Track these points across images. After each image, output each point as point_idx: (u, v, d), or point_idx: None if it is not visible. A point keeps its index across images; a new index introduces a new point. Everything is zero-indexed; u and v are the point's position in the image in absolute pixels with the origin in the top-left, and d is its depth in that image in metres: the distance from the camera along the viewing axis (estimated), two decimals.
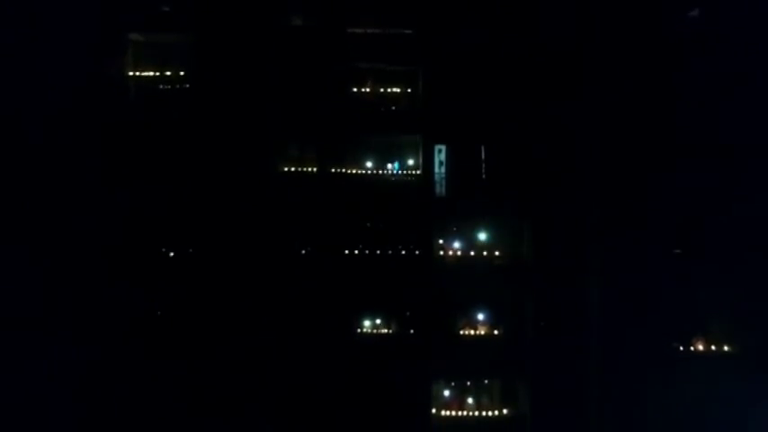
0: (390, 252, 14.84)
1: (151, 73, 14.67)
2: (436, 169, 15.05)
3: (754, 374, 13.40)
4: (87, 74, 13.96)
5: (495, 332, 14.95)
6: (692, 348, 14.24)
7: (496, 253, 15.01)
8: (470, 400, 14.87)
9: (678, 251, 14.10)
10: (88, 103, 13.97)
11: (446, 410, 14.71)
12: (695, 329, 14.22)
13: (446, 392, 14.98)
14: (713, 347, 14.22)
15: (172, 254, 14.51)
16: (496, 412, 14.73)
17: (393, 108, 15.19)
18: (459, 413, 14.69)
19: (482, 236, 15.13)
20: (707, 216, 13.83)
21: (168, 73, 14.68)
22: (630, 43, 14.15)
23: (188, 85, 14.67)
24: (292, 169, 14.92)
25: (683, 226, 14.04)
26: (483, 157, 15.23)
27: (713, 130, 13.71)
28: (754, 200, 13.59)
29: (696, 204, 13.86)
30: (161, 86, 14.69)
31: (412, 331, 14.83)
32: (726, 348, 14.16)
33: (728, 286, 13.62)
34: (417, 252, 14.78)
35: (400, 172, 15.19)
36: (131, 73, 14.66)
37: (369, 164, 15.20)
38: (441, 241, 15.09)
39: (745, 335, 13.88)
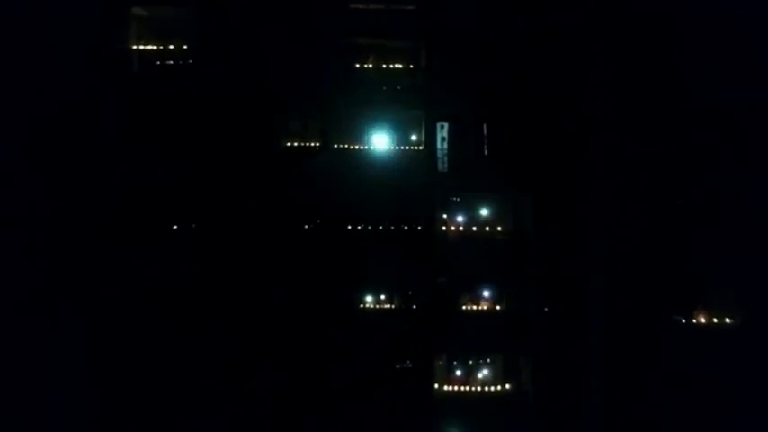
0: (392, 228, 14.85)
1: (154, 47, 14.63)
2: (438, 145, 15.08)
3: (757, 346, 13.44)
4: (89, 48, 13.89)
5: (498, 307, 14.97)
6: (693, 321, 14.25)
7: (499, 228, 15.05)
8: (473, 376, 14.88)
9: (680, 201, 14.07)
10: (90, 78, 13.91)
11: (448, 386, 14.74)
12: (697, 301, 14.23)
13: (448, 368, 14.96)
14: (715, 320, 14.23)
15: (174, 227, 14.45)
16: (499, 387, 14.75)
17: (395, 84, 15.17)
18: (462, 389, 14.71)
19: (484, 211, 15.13)
20: (709, 187, 13.86)
21: (171, 47, 14.64)
22: (634, 19, 14.18)
23: (191, 60, 14.64)
24: (295, 144, 14.92)
25: (684, 198, 14.08)
26: (485, 133, 15.22)
27: (713, 97, 13.75)
28: (756, 170, 13.65)
29: (697, 175, 13.88)
30: (164, 61, 14.63)
31: (414, 307, 14.82)
32: (728, 320, 14.18)
33: (731, 257, 13.62)
34: (419, 228, 14.78)
35: (401, 148, 15.18)
36: (134, 47, 14.62)
37: (371, 140, 15.16)
38: (444, 216, 15.15)
39: (747, 306, 13.88)
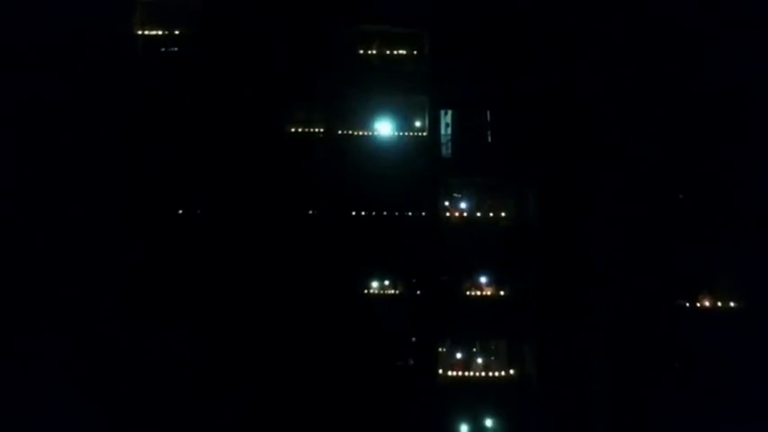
0: (397, 213, 14.85)
1: (159, 32, 14.65)
2: (442, 131, 15.11)
3: (761, 330, 13.46)
4: (96, 33, 13.94)
5: (501, 293, 14.94)
6: (698, 305, 14.24)
7: (502, 214, 15.04)
8: (476, 361, 14.85)
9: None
10: (96, 63, 13.95)
11: (452, 371, 14.70)
12: (701, 286, 14.23)
13: (452, 353, 14.93)
14: (719, 304, 14.23)
15: (180, 212, 14.48)
16: (502, 373, 14.72)
17: (399, 70, 15.18)
18: (466, 374, 14.67)
19: (488, 197, 15.13)
20: (711, 175, 13.88)
21: (176, 32, 14.68)
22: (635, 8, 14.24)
23: (196, 45, 14.65)
24: (299, 130, 14.95)
25: (687, 185, 14.11)
26: (489, 119, 15.25)
27: (715, 87, 13.80)
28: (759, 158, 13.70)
29: (700, 163, 13.89)
30: (168, 46, 14.68)
31: (418, 292, 14.81)
32: (732, 304, 14.18)
33: (735, 243, 13.63)
34: (423, 213, 14.80)
35: (405, 134, 15.19)
36: (139, 32, 14.66)
37: (375, 126, 15.17)
38: (446, 203, 15.19)
39: (751, 291, 13.89)
